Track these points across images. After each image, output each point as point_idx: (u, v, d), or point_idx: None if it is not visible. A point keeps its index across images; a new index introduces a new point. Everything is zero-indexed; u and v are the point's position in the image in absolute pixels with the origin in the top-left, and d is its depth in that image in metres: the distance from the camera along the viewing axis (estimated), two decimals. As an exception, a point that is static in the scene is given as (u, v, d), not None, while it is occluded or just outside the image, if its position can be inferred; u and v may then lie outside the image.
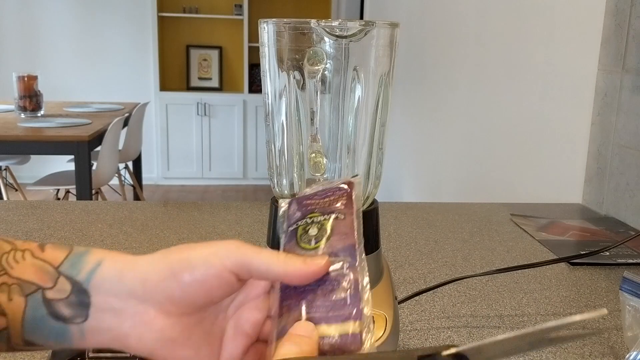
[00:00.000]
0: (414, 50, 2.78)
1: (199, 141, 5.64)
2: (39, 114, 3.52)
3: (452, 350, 0.31)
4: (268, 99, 0.58)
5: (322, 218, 0.43)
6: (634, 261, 0.94)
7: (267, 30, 0.56)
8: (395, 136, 3.04)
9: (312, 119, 0.57)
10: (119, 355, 0.54)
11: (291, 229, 0.44)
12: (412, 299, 0.76)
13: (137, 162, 4.47)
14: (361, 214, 0.44)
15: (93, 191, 3.39)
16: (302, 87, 0.56)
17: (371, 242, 0.59)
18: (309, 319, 0.38)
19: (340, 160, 0.59)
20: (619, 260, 0.94)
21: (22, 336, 0.37)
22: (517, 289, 0.83)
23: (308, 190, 0.46)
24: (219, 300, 0.39)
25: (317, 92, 0.56)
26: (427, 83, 2.61)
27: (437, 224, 1.13)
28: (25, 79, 3.44)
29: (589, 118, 1.29)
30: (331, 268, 0.40)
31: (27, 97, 3.47)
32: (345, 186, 0.45)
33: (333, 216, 0.43)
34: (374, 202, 0.61)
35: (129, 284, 0.37)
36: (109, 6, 5.43)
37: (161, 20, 5.55)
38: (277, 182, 0.60)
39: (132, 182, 4.42)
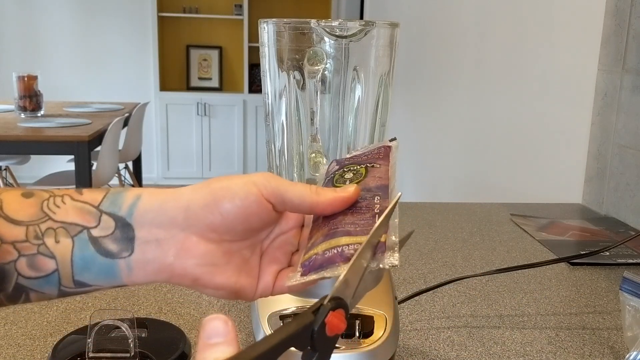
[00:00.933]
0: (414, 50, 2.78)
1: (199, 141, 5.64)
2: (39, 114, 3.52)
3: (328, 297, 0.33)
4: (268, 99, 0.58)
5: (358, 167, 0.45)
6: (634, 261, 0.94)
7: (267, 30, 0.56)
8: (395, 136, 3.04)
9: (312, 119, 0.57)
10: (118, 355, 0.55)
11: (328, 178, 0.45)
12: (412, 299, 0.76)
13: (137, 162, 4.47)
14: (396, 167, 0.45)
15: (93, 191, 3.39)
16: (302, 87, 0.56)
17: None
18: (334, 232, 0.39)
19: (340, 160, 0.58)
20: (619, 260, 0.94)
21: (72, 277, 0.38)
22: (517, 289, 0.83)
23: (347, 155, 0.48)
24: (257, 228, 0.40)
25: (317, 92, 0.56)
26: (427, 83, 2.61)
27: (437, 224, 1.13)
28: (25, 79, 3.44)
29: (589, 118, 1.29)
30: (362, 198, 0.41)
31: (27, 97, 3.46)
32: (383, 148, 0.47)
33: (369, 165, 0.45)
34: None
35: (170, 213, 0.39)
36: (109, 6, 5.43)
37: (161, 20, 5.54)
38: (277, 182, 0.60)
39: (132, 182, 4.42)
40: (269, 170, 0.61)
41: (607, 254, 0.96)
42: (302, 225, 0.43)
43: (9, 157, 3.97)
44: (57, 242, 0.37)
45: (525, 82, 1.62)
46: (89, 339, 0.54)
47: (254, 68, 5.68)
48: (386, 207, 0.40)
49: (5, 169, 4.21)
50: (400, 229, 0.41)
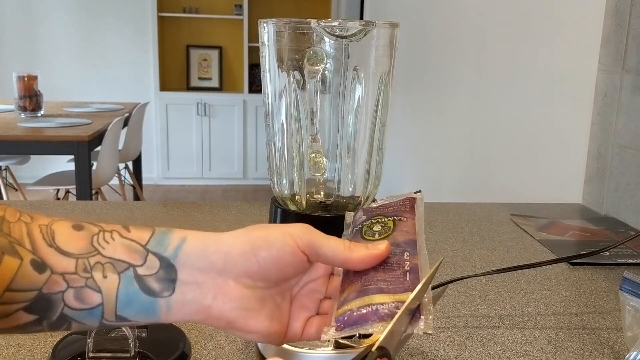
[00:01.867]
0: (414, 50, 2.78)
1: (199, 141, 5.64)
2: (39, 114, 3.52)
3: (375, 345, 0.36)
4: (268, 99, 0.58)
5: (386, 219, 0.46)
6: (634, 261, 0.94)
7: (267, 30, 0.56)
8: (395, 136, 3.04)
9: (312, 119, 0.57)
10: (119, 355, 0.55)
11: (356, 228, 0.47)
12: (412, 299, 0.76)
13: (137, 162, 4.47)
14: (422, 221, 0.47)
15: (93, 191, 3.39)
16: (302, 87, 0.56)
17: (371, 242, 0.59)
18: (367, 289, 0.40)
19: (340, 160, 0.59)
20: (619, 260, 0.94)
21: (115, 312, 0.40)
22: (517, 289, 0.83)
23: (373, 204, 0.50)
24: (290, 277, 0.43)
25: (317, 92, 0.56)
26: (427, 83, 2.61)
27: (437, 224, 1.13)
28: (25, 79, 3.44)
29: (589, 118, 1.29)
30: (392, 254, 0.42)
31: (27, 97, 3.47)
32: (409, 200, 0.49)
33: (397, 218, 0.46)
34: (374, 202, 0.61)
35: (211, 258, 0.41)
36: (109, 6, 5.43)
37: (161, 20, 5.54)
38: (277, 182, 0.60)
39: (132, 182, 4.42)
40: (269, 170, 0.61)
41: (607, 254, 0.96)
42: (331, 273, 0.45)
43: (9, 157, 3.97)
44: (104, 277, 0.39)
45: (525, 82, 1.62)
46: (89, 339, 0.54)
47: (254, 68, 5.68)
48: (416, 264, 0.42)
49: (5, 169, 4.21)
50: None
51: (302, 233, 0.41)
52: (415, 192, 0.50)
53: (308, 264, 0.42)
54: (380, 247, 0.42)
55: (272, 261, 0.41)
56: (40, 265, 0.38)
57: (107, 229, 0.41)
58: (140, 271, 0.40)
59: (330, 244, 0.42)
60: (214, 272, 0.40)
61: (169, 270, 0.40)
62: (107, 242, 0.40)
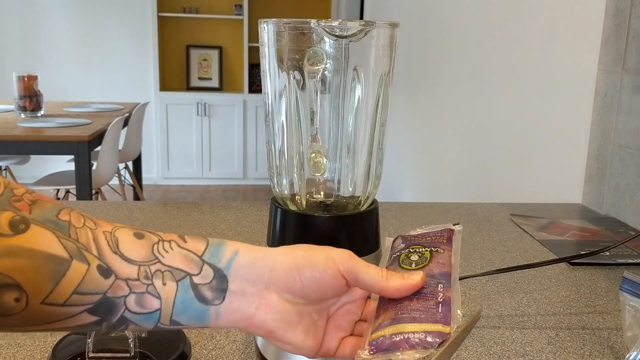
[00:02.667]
0: (414, 50, 2.78)
1: (199, 141, 5.64)
2: (39, 114, 3.52)
3: None
4: (268, 99, 0.58)
5: (423, 249, 0.50)
6: (634, 261, 0.94)
7: (267, 30, 0.56)
8: (395, 136, 3.04)
9: (312, 119, 0.57)
10: (118, 355, 0.55)
11: (394, 255, 0.50)
12: (412, 299, 0.76)
13: (137, 162, 4.47)
14: (459, 254, 0.49)
15: (93, 191, 3.39)
16: (302, 87, 0.56)
17: (371, 242, 0.59)
18: (401, 317, 0.43)
19: (340, 160, 0.59)
20: (619, 260, 0.94)
21: (171, 317, 0.42)
22: (517, 289, 0.83)
23: (413, 232, 0.53)
24: (329, 297, 0.46)
25: (317, 92, 0.56)
26: (427, 83, 2.61)
27: (437, 224, 1.13)
28: (25, 79, 3.44)
29: (589, 118, 1.29)
30: (427, 285, 0.45)
31: (27, 97, 3.47)
32: (447, 231, 0.52)
33: (434, 249, 0.49)
34: (374, 202, 0.61)
35: (259, 271, 0.44)
36: (109, 6, 5.43)
37: (161, 20, 5.54)
38: (277, 182, 0.60)
39: (132, 182, 4.42)
40: (269, 170, 0.61)
41: (607, 254, 0.96)
42: (368, 297, 0.48)
43: (9, 157, 3.97)
44: (164, 284, 0.42)
45: (525, 82, 1.62)
46: (89, 339, 0.54)
47: (254, 68, 5.68)
48: (449, 297, 0.44)
49: (5, 169, 4.21)
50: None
51: (344, 259, 0.44)
52: (454, 225, 0.53)
53: (347, 288, 0.45)
54: (416, 278, 0.45)
55: (313, 281, 0.43)
56: (106, 271, 0.41)
57: (166, 238, 0.43)
58: (196, 280, 0.42)
59: (369, 272, 0.44)
60: (260, 285, 0.43)
61: (221, 281, 0.43)
62: (167, 252, 0.43)
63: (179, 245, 0.43)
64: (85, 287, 0.40)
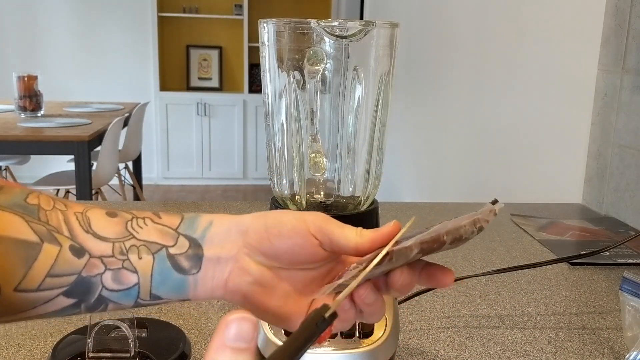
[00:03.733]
0: (414, 50, 2.78)
1: (199, 141, 5.64)
2: (39, 114, 3.52)
3: (329, 312, 0.34)
4: (268, 99, 0.58)
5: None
6: (634, 261, 0.94)
7: (267, 30, 0.56)
8: (395, 136, 3.04)
9: (312, 119, 0.57)
10: (118, 355, 0.55)
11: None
12: (412, 299, 0.76)
13: (137, 162, 4.47)
14: (452, 221, 0.47)
15: (93, 191, 3.39)
16: (302, 87, 0.56)
17: (371, 242, 0.59)
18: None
19: (340, 160, 0.59)
20: (619, 260, 0.94)
21: (150, 291, 0.42)
22: (517, 289, 0.83)
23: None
24: (306, 261, 0.43)
25: (317, 92, 0.56)
26: (427, 83, 2.61)
27: (437, 224, 1.13)
28: (25, 79, 3.44)
29: (589, 118, 1.29)
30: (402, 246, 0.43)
31: (27, 97, 3.46)
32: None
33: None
34: (374, 202, 0.61)
35: (233, 237, 0.43)
36: (109, 6, 5.43)
37: (161, 20, 5.54)
38: (277, 182, 0.60)
39: (132, 182, 4.42)
40: (269, 170, 0.61)
41: (607, 254, 0.96)
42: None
43: (9, 157, 3.97)
44: (140, 258, 0.41)
45: (525, 82, 1.62)
46: (89, 339, 0.54)
47: (254, 68, 5.68)
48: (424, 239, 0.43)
49: (5, 169, 4.21)
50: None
51: (316, 219, 0.43)
52: (493, 203, 0.47)
53: (323, 252, 0.43)
54: (389, 225, 0.43)
55: (282, 241, 0.42)
56: (78, 250, 0.40)
57: (140, 215, 0.43)
58: (172, 251, 0.42)
59: (342, 231, 0.43)
60: (235, 250, 0.43)
61: (196, 249, 0.43)
62: (141, 227, 0.42)
63: (153, 221, 0.43)
64: (59, 269, 0.39)
